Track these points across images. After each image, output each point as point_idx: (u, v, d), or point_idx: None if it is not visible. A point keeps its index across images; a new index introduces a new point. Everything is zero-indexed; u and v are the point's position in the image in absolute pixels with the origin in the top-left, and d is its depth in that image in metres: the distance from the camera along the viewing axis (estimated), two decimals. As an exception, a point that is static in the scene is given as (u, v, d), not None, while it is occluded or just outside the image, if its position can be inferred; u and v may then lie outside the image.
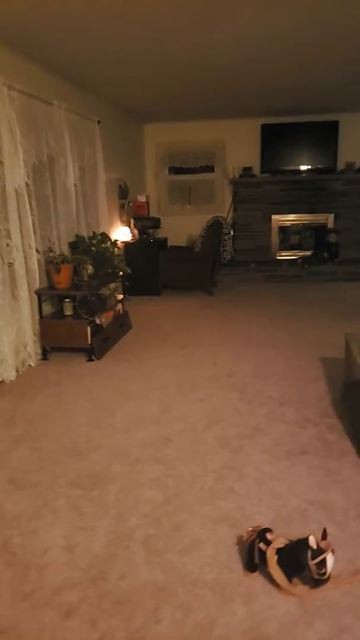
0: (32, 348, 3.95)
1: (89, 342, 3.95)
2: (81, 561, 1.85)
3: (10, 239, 3.73)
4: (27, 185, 3.87)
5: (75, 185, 4.67)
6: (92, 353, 3.99)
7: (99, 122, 5.26)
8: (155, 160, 7.60)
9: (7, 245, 3.72)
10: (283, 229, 7.44)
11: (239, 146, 7.33)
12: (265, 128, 7.07)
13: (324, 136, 7.01)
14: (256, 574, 1.76)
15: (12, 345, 3.71)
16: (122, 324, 4.67)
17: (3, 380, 3.61)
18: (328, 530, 2.00)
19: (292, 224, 7.41)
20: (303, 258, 7.17)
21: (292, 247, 7.47)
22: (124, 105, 6.09)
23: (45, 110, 4.16)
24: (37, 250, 4.04)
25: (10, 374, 3.65)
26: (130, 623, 1.59)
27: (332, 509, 2.12)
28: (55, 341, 4.06)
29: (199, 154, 7.51)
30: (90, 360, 3.99)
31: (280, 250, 7.46)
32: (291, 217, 7.33)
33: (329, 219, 7.22)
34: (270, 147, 7.12)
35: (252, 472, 2.41)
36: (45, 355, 4.08)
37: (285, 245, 7.50)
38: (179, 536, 1.98)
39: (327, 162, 7.06)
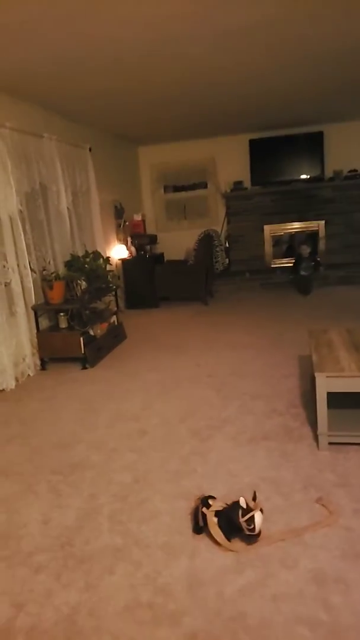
0: (31, 359, 4.31)
1: (82, 352, 4.29)
2: (53, 532, 2.15)
3: (6, 260, 4.12)
4: (21, 211, 4.27)
5: (68, 208, 5.07)
6: (86, 361, 4.32)
7: (90, 149, 5.68)
8: (150, 180, 8.01)
9: (4, 266, 4.12)
10: (276, 238, 7.72)
11: (229, 161, 7.69)
12: (253, 143, 7.42)
13: (310, 147, 7.32)
14: (202, 536, 2.03)
15: (12, 357, 4.07)
16: (116, 335, 5.00)
17: (3, 389, 3.96)
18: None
19: (284, 233, 7.69)
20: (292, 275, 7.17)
21: (286, 255, 7.74)
22: (116, 131, 6.52)
23: (36, 142, 4.57)
24: (32, 270, 4.43)
25: (10, 383, 4.00)
26: (88, 575, 1.87)
27: (280, 484, 2.38)
28: (52, 352, 4.41)
29: (192, 171, 7.89)
30: (85, 368, 4.32)
31: (274, 258, 7.73)
32: (283, 226, 7.61)
33: (320, 226, 7.48)
34: (259, 161, 7.46)
35: (215, 457, 2.68)
36: (43, 365, 4.43)
37: (279, 253, 7.77)
38: (141, 509, 2.27)
39: (314, 171, 7.35)
